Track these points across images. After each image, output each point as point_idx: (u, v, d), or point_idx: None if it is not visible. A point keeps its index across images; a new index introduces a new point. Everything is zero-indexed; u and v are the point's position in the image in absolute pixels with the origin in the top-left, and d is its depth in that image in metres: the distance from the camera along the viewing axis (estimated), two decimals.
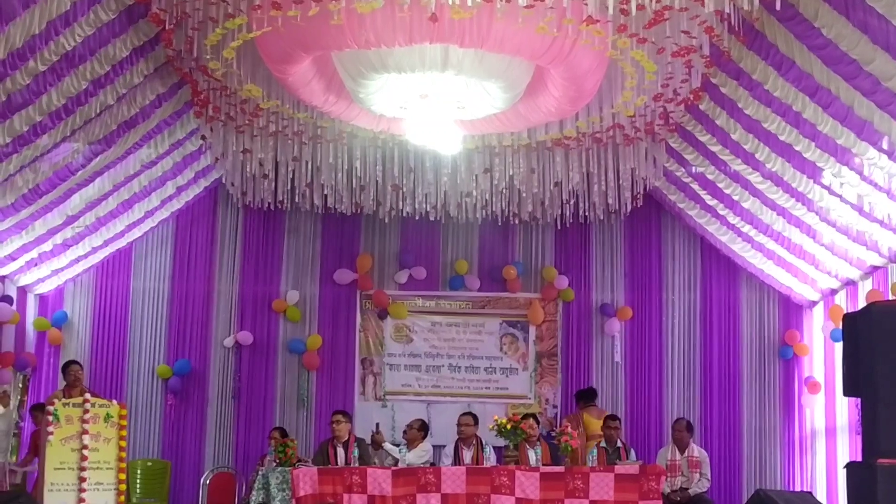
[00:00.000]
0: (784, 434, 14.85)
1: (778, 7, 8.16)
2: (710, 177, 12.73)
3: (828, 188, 11.31)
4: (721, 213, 13.54)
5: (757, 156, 11.27)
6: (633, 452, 12.59)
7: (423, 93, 10.32)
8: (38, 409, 11.50)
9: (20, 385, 13.03)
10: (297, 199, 14.14)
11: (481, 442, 12.25)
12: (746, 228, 13.47)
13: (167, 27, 9.55)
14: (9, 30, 8.13)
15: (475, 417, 12.46)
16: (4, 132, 9.70)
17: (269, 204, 14.17)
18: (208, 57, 10.15)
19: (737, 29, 9.34)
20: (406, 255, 15.36)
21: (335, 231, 15.31)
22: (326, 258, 15.35)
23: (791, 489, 14.18)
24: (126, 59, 9.94)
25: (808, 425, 14.70)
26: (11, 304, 13.19)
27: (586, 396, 14.08)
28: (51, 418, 10.26)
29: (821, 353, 14.49)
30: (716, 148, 11.84)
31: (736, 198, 12.76)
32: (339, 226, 15.22)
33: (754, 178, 11.91)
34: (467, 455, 12.04)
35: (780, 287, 14.77)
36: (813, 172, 11.17)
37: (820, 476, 14.24)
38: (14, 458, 12.61)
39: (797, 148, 10.63)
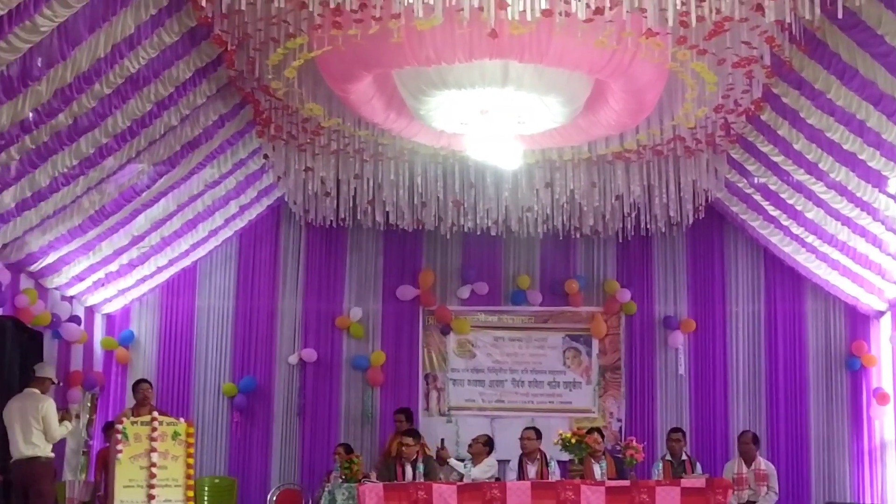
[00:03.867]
0: (853, 446, 14.68)
1: (840, 15, 8.10)
2: (772, 187, 12.65)
3: (893, 197, 11.19)
4: (784, 223, 13.43)
5: (820, 165, 11.17)
6: (698, 466, 12.49)
7: (483, 108, 10.33)
8: (110, 428, 11.65)
9: (88, 404, 13.18)
10: (358, 217, 14.17)
11: (546, 456, 12.21)
12: (811, 239, 13.35)
13: (229, 48, 9.65)
14: (75, 54, 8.26)
15: (537, 432, 12.40)
16: (71, 155, 9.87)
17: (331, 221, 14.26)
18: (270, 77, 10.26)
19: (798, 38, 9.27)
20: (468, 270, 15.38)
21: (397, 247, 15.37)
22: (389, 275, 15.41)
23: (861, 502, 14.01)
24: (189, 81, 10.05)
25: (877, 437, 14.51)
26: (79, 323, 13.35)
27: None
28: (120, 436, 10.37)
29: (889, 364, 14.33)
30: (778, 158, 11.75)
31: (799, 208, 12.65)
32: (401, 242, 15.28)
33: (818, 188, 11.80)
34: (531, 470, 12.01)
35: (846, 297, 14.61)
36: (878, 181, 11.05)
37: (891, 488, 14.07)
38: (83, 476, 12.76)
39: (861, 157, 10.52)
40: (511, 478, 11.97)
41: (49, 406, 10.23)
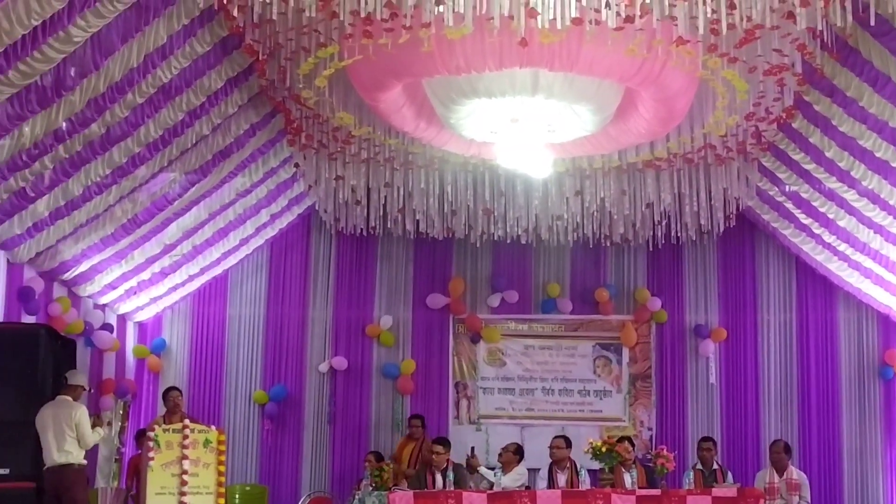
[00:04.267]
0: (886, 456, 14.58)
1: (872, 22, 8.07)
2: (804, 195, 12.59)
3: None
4: (816, 231, 13.36)
5: (853, 173, 11.12)
6: (730, 475, 12.45)
7: (513, 117, 10.34)
8: (142, 435, 11.71)
9: (121, 411, 13.23)
10: (389, 225, 14.20)
11: (576, 465, 12.19)
12: (843, 247, 13.27)
13: (260, 58, 9.70)
14: (108, 64, 8.33)
15: (567, 440, 12.39)
16: (104, 164, 9.95)
17: (361, 230, 14.28)
18: (301, 86, 10.30)
19: (830, 46, 9.24)
20: (498, 278, 15.39)
21: (427, 256, 15.40)
22: (419, 283, 15.44)
23: None
24: (221, 90, 10.12)
25: None
26: (112, 332, 13.43)
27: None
28: (151, 444, 10.41)
29: None
30: (810, 166, 11.70)
31: (831, 216, 12.59)
32: (431, 251, 15.30)
33: (850, 195, 11.74)
34: (561, 478, 11.99)
35: (879, 306, 14.51)
36: None
37: None
38: (115, 483, 12.82)
39: (894, 165, 10.48)
40: (541, 486, 11.96)
41: (82, 413, 10.28)
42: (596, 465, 12.08)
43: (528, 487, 12.08)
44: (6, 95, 7.87)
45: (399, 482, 12.31)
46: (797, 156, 11.71)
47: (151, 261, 12.98)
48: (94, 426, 10.50)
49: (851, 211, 12.23)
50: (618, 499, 10.92)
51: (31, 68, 7.63)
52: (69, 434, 10.12)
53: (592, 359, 15.30)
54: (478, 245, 14.74)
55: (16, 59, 7.44)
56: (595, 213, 13.67)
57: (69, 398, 10.34)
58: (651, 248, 14.93)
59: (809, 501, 12.56)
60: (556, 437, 12.58)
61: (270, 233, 14.55)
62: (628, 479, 11.79)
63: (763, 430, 14.79)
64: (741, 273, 15.33)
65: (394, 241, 15.24)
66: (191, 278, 14.16)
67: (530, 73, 9.51)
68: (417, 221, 13.92)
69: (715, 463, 12.54)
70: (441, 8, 7.70)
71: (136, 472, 11.80)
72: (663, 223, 14.02)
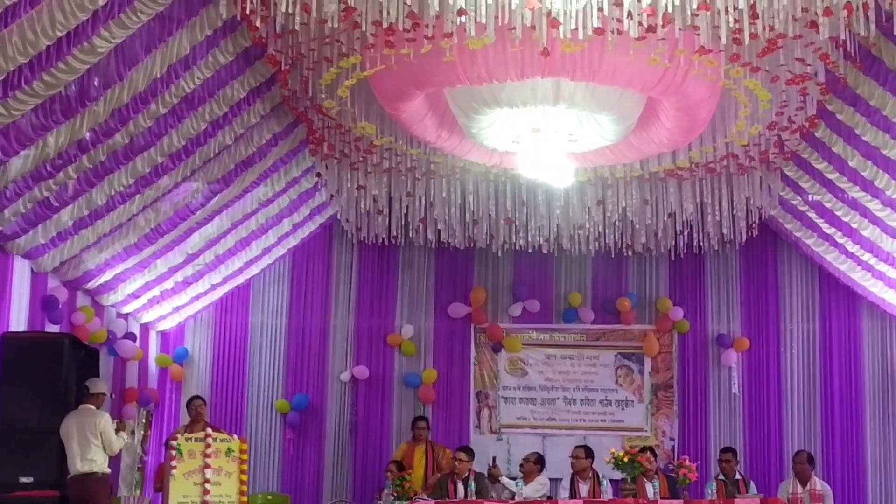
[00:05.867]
0: None
1: None
2: (827, 205, 12.54)
3: None
4: (839, 241, 13.30)
5: (876, 182, 11.07)
6: (752, 485, 12.40)
7: (535, 126, 10.34)
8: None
9: (143, 420, 13.29)
10: (410, 234, 14.23)
11: (598, 475, 12.17)
12: (866, 257, 13.20)
13: (283, 68, 9.73)
14: (131, 74, 8.39)
15: (587, 450, 12.36)
16: (128, 174, 10.00)
17: (383, 239, 14.30)
18: (323, 96, 10.33)
19: (853, 55, 9.21)
20: (519, 288, 15.37)
21: (449, 265, 15.39)
22: (440, 292, 15.43)
23: None
24: (243, 100, 10.16)
25: None
26: (135, 341, 13.46)
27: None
28: (174, 453, 10.44)
29: None
30: (833, 175, 11.66)
31: (855, 226, 12.53)
32: (453, 260, 15.29)
33: (873, 205, 11.69)
34: (583, 488, 11.97)
35: None
36: None
37: None
38: (138, 492, 12.86)
39: None
40: (563, 496, 11.93)
41: (106, 421, 10.31)
42: (618, 476, 12.07)
43: (549, 497, 12.06)
44: (31, 106, 7.93)
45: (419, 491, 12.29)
46: (820, 165, 11.67)
47: (174, 270, 13.01)
48: (117, 431, 10.54)
49: (875, 220, 12.18)
50: None
51: (55, 79, 7.69)
52: (93, 443, 10.15)
53: (614, 368, 15.27)
54: (499, 254, 14.74)
55: (40, 70, 7.51)
56: (617, 223, 13.67)
57: (92, 406, 10.38)
58: (673, 258, 14.91)
59: None
60: (576, 447, 12.55)
61: (292, 242, 14.57)
62: (650, 489, 11.77)
63: (786, 441, 14.72)
64: (764, 283, 15.28)
65: (415, 251, 15.26)
66: (213, 287, 14.18)
67: (552, 83, 9.51)
68: (439, 231, 13.93)
69: (737, 473, 12.49)
70: (463, 18, 7.70)
71: (162, 479, 11.83)
72: (685, 232, 13.99)
